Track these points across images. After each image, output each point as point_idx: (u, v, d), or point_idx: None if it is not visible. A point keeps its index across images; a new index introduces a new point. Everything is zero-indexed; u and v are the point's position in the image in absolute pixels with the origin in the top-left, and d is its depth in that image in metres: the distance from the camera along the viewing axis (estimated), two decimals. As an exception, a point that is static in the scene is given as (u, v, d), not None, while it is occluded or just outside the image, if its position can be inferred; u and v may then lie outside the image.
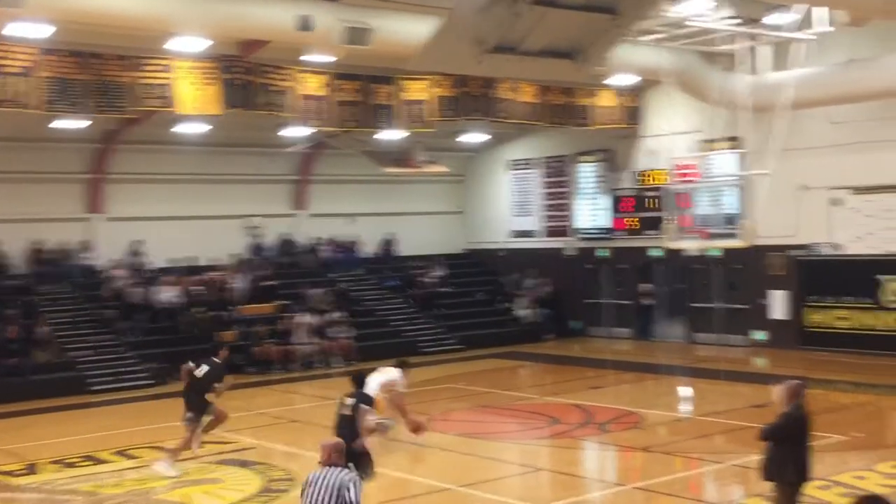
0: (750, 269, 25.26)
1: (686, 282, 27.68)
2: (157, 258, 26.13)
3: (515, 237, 31.35)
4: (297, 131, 24.07)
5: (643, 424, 16.57)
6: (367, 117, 22.22)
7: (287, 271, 28.02)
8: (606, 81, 24.45)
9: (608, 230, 28.43)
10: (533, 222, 30.83)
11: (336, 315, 25.75)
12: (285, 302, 26.30)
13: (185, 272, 25.87)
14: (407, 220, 31.29)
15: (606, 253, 28.79)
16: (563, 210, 29.88)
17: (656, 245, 26.53)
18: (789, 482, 9.30)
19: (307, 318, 25.09)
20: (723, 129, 19.89)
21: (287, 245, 28.91)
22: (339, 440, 8.28)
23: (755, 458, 13.69)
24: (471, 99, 23.53)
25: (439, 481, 13.27)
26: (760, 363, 23.88)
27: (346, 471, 7.74)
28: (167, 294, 24.48)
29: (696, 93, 22.63)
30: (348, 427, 11.41)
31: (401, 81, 22.53)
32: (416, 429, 14.83)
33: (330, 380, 23.70)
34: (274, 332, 24.74)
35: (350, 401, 11.79)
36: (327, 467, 7.77)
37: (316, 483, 7.62)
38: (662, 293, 28.74)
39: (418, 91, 22.83)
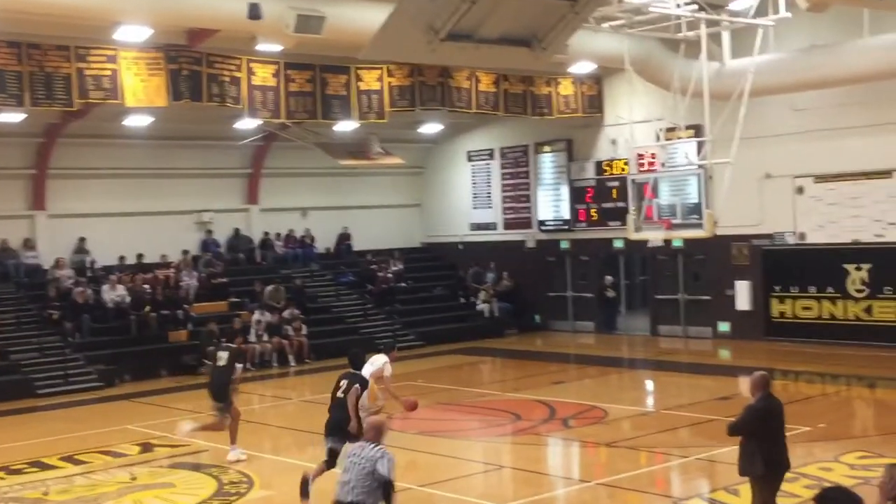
0: (714, 259, 25.54)
1: (649, 273, 27.94)
2: (103, 256, 25.91)
3: (475, 230, 31.44)
4: (247, 123, 23.96)
5: (607, 419, 16.72)
6: (321, 108, 22.16)
7: (239, 268, 27.91)
8: (566, 69, 24.58)
9: (570, 221, 28.60)
10: (493, 214, 30.93)
11: (290, 312, 25.67)
12: (238, 300, 26.20)
13: (133, 270, 25.67)
14: (363, 214, 31.27)
15: (568, 245, 28.96)
16: (523, 201, 30.01)
17: (619, 236, 26.73)
18: (758, 476, 9.44)
19: (261, 316, 24.99)
20: (684, 117, 20.05)
21: (239, 241, 28.77)
22: (381, 419, 8.81)
23: (721, 451, 13.91)
24: (427, 88, 23.55)
25: (400, 481, 13.26)
26: (725, 355, 24.18)
27: (381, 447, 8.34)
28: (114, 293, 24.27)
29: (657, 80, 22.80)
30: (342, 409, 11.86)
31: (355, 71, 22.50)
32: (411, 407, 15.05)
33: (285, 379, 23.66)
34: (227, 330, 24.56)
35: (343, 382, 12.14)
36: (365, 442, 8.45)
37: (353, 456, 8.36)
38: (625, 285, 29.02)
39: (373, 81, 22.81)
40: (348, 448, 8.17)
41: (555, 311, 29.56)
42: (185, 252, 26.95)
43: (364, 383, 12.33)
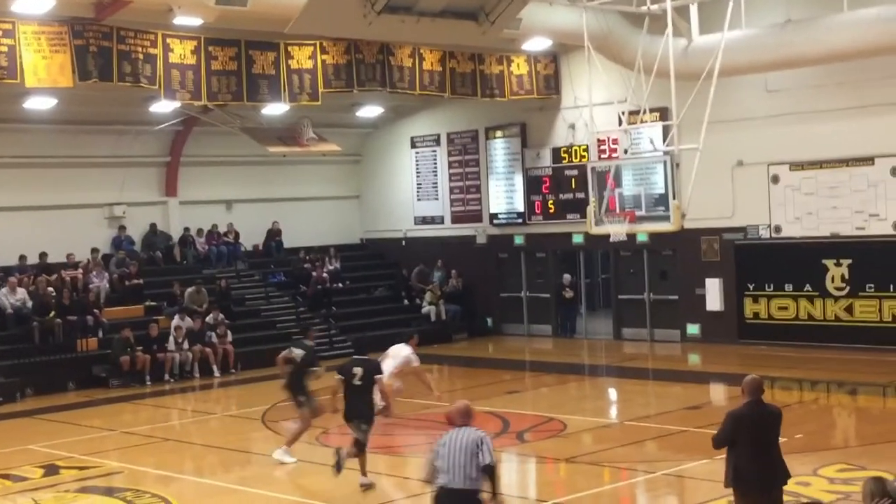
0: (682, 255, 25.79)
1: (611, 271, 28.12)
2: (1, 255, 25.52)
3: (420, 224, 31.44)
4: (164, 106, 23.75)
5: (566, 432, 16.80)
6: (247, 89, 22.03)
7: (156, 268, 27.66)
8: (519, 46, 24.65)
9: (524, 215, 28.70)
10: (439, 207, 30.95)
11: (214, 317, 25.48)
12: (155, 303, 25.97)
13: (35, 271, 25.31)
14: (294, 207, 31.14)
15: (523, 240, 29.07)
16: (473, 193, 30.07)
17: (578, 230, 26.88)
18: (732, 487, 9.55)
19: (181, 322, 24.77)
20: (649, 99, 20.21)
21: (156, 237, 28.51)
22: (465, 404, 9.35)
23: (690, 466, 14.05)
24: (366, 67, 23.50)
25: (335, 503, 13.27)
26: (695, 360, 24.42)
27: (475, 429, 9.08)
28: (14, 297, 23.94)
29: (618, 58, 22.94)
30: (362, 396, 13.42)
31: (284, 47, 22.39)
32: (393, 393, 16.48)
33: (209, 391, 23.50)
34: (142, 338, 24.37)
35: (358, 370, 13.49)
36: (457, 429, 9.07)
37: (450, 444, 8.96)
38: (585, 284, 29.17)
39: (305, 58, 22.72)
40: (441, 440, 9.11)
41: (508, 313, 29.66)
42: (95, 251, 26.63)
43: (379, 368, 14.00)
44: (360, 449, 13.45)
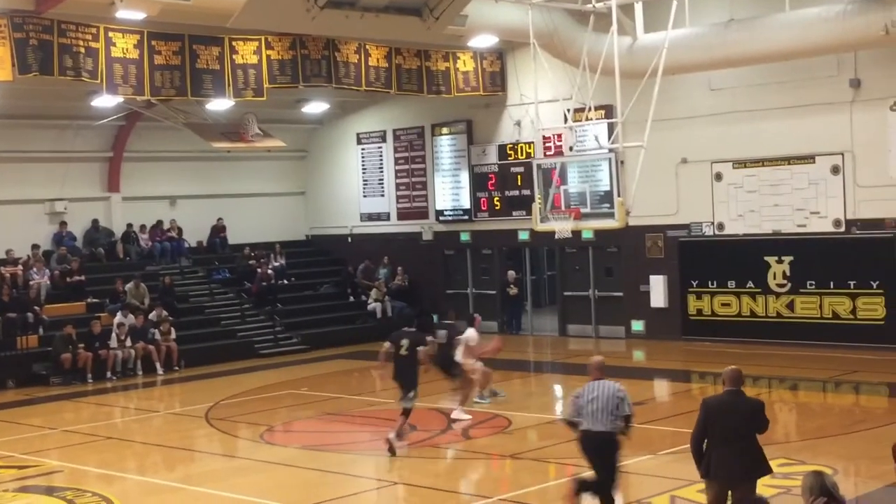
0: (627, 252, 25.97)
1: (557, 268, 28.25)
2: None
3: (366, 221, 31.39)
4: (106, 100, 23.50)
5: (511, 429, 16.84)
6: (190, 84, 21.85)
7: (98, 264, 27.39)
8: (465, 43, 24.68)
9: (470, 211, 28.75)
10: (385, 203, 30.92)
11: (157, 314, 25.27)
12: (97, 300, 25.70)
13: (-26, 268, 24.98)
14: (239, 203, 30.97)
15: (468, 237, 29.11)
16: (419, 189, 30.06)
17: (524, 227, 26.98)
18: (704, 478, 9.79)
19: (123, 319, 24.54)
20: (594, 96, 20.32)
21: (98, 233, 28.21)
22: (600, 359, 11.18)
23: (635, 461, 14.14)
24: (311, 63, 23.41)
25: (281, 501, 13.21)
26: (639, 356, 24.59)
27: (613, 383, 10.76)
28: (-47, 294, 23.60)
29: (564, 56, 23.04)
30: (408, 365, 14.97)
31: (229, 42, 22.24)
32: (497, 349, 18.73)
33: (152, 389, 23.31)
34: (84, 335, 24.11)
35: (405, 341, 14.97)
36: (597, 381, 10.74)
37: (591, 394, 10.64)
38: (531, 281, 29.28)
39: (249, 53, 22.59)
40: (583, 390, 10.79)
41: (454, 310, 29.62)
42: (35, 247, 26.32)
43: (423, 341, 15.31)
44: (405, 414, 15.08)
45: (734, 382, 9.74)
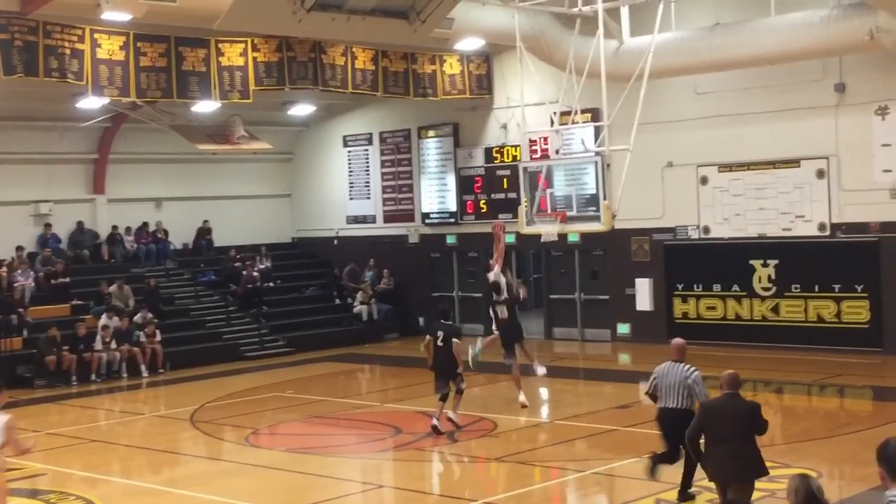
0: (613, 255, 26.00)
1: (543, 271, 28.26)
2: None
3: (352, 223, 31.35)
4: (92, 102, 23.43)
5: (497, 432, 16.84)
6: (176, 86, 21.80)
7: (83, 266, 27.28)
8: (452, 46, 24.68)
9: (456, 214, 28.74)
10: (371, 206, 30.88)
11: (142, 317, 25.19)
12: (82, 302, 25.61)
13: (-42, 269, 24.87)
14: (225, 206, 30.89)
15: (455, 240, 29.11)
16: (405, 192, 30.05)
17: (510, 230, 26.91)
18: (711, 480, 10.32)
19: (108, 321, 24.45)
20: (580, 100, 20.33)
21: (83, 235, 28.11)
22: (682, 342, 12.09)
23: (620, 465, 14.17)
24: (298, 65, 23.39)
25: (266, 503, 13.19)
26: (625, 359, 24.62)
27: (689, 366, 11.65)
28: (-64, 296, 23.49)
29: (550, 59, 23.07)
30: (445, 356, 16.25)
31: (215, 44, 22.19)
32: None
33: (136, 392, 23.23)
34: (69, 337, 24.02)
35: (440, 333, 16.26)
36: (672, 363, 11.70)
37: (666, 375, 11.69)
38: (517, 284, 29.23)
39: (236, 56, 22.55)
40: (658, 370, 11.91)
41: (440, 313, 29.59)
42: (20, 248, 26.21)
43: (458, 334, 16.61)
44: (459, 392, 16.53)
45: (731, 385, 10.21)
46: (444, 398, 16.26)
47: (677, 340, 12.08)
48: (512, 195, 26.87)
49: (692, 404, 11.38)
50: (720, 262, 24.30)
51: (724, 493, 10.03)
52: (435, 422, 16.19)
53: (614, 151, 20.69)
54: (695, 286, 24.78)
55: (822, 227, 22.88)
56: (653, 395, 11.96)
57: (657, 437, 12.11)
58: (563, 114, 21.92)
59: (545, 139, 24.85)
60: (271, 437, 17.63)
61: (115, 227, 28.62)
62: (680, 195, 24.72)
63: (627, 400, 19.40)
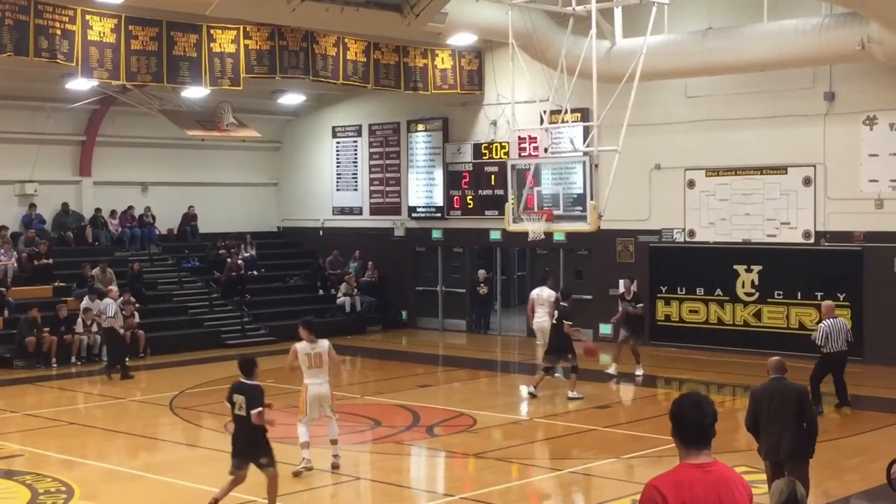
0: (598, 256, 26.02)
1: (527, 269, 28.27)
2: None
3: (338, 214, 31.32)
4: (81, 83, 23.33)
5: (476, 427, 16.85)
6: (167, 70, 21.74)
7: (67, 248, 27.19)
8: (444, 40, 24.66)
9: (443, 209, 28.73)
10: (358, 198, 30.85)
11: (125, 299, 25.08)
12: (64, 284, 25.52)
13: (-60, 247, 24.75)
14: (212, 192, 30.83)
15: (440, 234, 29.09)
16: (392, 185, 30.02)
17: (496, 227, 26.97)
18: (763, 459, 10.81)
19: (90, 304, 24.35)
20: (570, 99, 20.33)
21: (68, 217, 28.00)
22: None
23: (597, 464, 14.19)
24: (289, 54, 23.34)
25: (246, 493, 13.14)
26: (606, 360, 24.61)
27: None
28: (-82, 273, 23.37)
29: (542, 57, 23.05)
30: (556, 334, 18.82)
31: (207, 30, 22.12)
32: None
33: (116, 374, 23.12)
34: (50, 319, 23.92)
35: (556, 313, 18.88)
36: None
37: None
38: (501, 281, 29.28)
39: (227, 42, 22.49)
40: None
41: (423, 307, 29.67)
42: (3, 228, 26.11)
43: (569, 315, 18.99)
44: (574, 372, 18.75)
45: (778, 370, 10.96)
46: (547, 370, 18.97)
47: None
48: (499, 192, 26.89)
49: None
50: (704, 266, 24.35)
51: (775, 471, 10.47)
52: (532, 389, 18.94)
53: (603, 152, 20.68)
54: (678, 289, 24.84)
55: (806, 234, 22.96)
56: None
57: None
58: (553, 113, 21.95)
59: (534, 137, 24.81)
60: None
61: (97, 210, 28.50)
62: (666, 198, 24.76)
63: (607, 400, 19.45)
